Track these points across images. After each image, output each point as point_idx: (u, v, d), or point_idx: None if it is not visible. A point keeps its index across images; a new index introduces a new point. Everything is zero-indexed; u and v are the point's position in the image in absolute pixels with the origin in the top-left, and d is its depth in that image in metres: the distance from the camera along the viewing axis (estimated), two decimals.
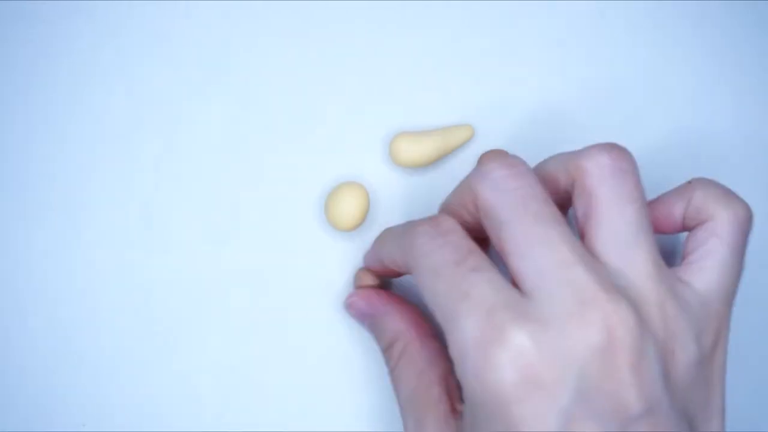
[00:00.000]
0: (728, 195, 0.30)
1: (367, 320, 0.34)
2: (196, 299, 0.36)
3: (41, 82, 0.38)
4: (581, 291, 0.26)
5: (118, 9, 0.38)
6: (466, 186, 0.30)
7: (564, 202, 0.31)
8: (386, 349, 0.33)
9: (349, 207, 0.35)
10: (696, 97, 0.38)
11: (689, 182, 0.31)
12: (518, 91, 0.38)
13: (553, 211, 0.28)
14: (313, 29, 0.38)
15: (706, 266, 0.29)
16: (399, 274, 0.34)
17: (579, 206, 0.29)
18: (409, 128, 0.37)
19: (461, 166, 0.37)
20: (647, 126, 0.38)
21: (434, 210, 0.37)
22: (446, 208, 0.32)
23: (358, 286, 0.35)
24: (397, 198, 0.37)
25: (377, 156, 0.37)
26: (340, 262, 0.37)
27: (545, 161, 0.31)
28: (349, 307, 0.35)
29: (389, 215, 0.37)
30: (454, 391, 0.31)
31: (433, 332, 0.33)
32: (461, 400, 0.30)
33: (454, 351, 0.27)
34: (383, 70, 0.38)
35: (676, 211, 0.31)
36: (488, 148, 0.37)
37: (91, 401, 0.36)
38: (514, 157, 0.29)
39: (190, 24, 0.38)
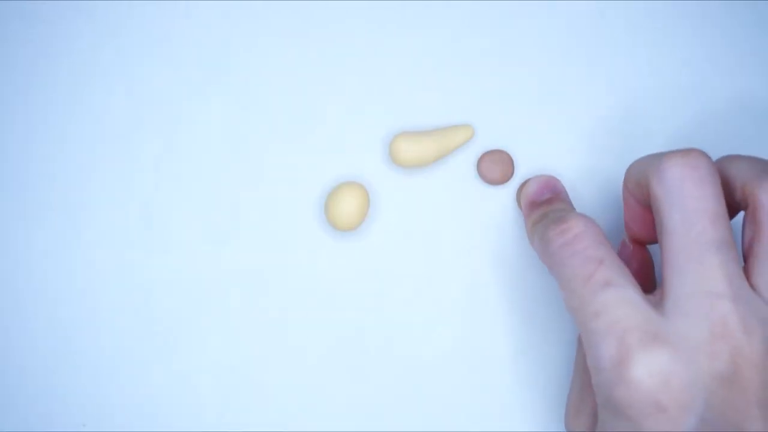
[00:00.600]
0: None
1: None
2: (196, 299, 0.36)
3: (41, 82, 0.38)
4: (719, 324, 0.27)
5: (118, 9, 0.38)
6: (644, 168, 0.29)
7: (735, 208, 0.30)
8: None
9: (349, 207, 0.35)
10: (695, 97, 0.38)
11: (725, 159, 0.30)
12: (518, 91, 0.38)
13: (722, 233, 0.28)
14: (313, 29, 0.38)
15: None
16: None
17: (747, 232, 0.29)
18: (409, 128, 0.37)
19: (461, 166, 0.37)
20: (646, 125, 0.38)
21: (434, 210, 0.37)
22: (629, 171, 0.31)
23: None
24: (397, 198, 0.37)
25: (377, 156, 0.37)
26: (340, 261, 0.37)
27: (731, 159, 0.30)
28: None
29: (389, 215, 0.37)
30: None
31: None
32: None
33: (590, 363, 0.28)
34: (383, 70, 0.38)
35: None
36: (488, 149, 0.37)
37: (91, 401, 0.36)
38: (700, 156, 0.28)
39: (190, 24, 0.38)
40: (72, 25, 0.38)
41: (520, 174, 0.37)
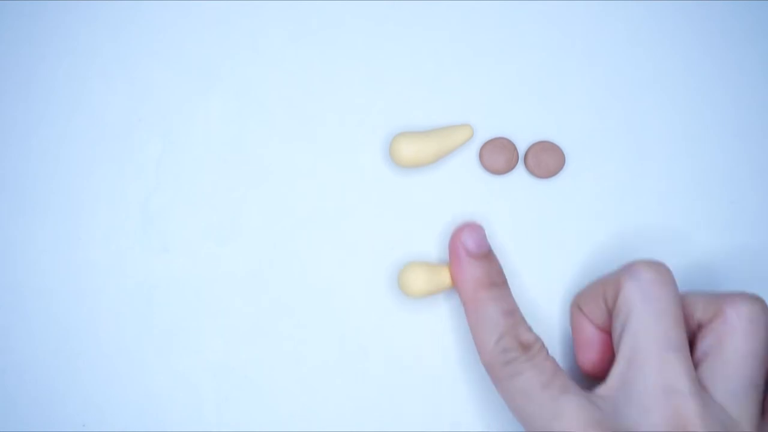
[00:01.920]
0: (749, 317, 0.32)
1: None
2: (196, 299, 0.36)
3: (41, 81, 0.38)
4: (680, 418, 0.29)
5: (118, 9, 0.38)
6: (611, 280, 0.32)
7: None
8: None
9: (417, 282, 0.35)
10: (695, 97, 0.38)
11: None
12: (518, 91, 0.38)
13: (681, 336, 0.30)
14: (314, 29, 0.38)
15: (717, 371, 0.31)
16: None
17: (703, 342, 0.31)
18: (409, 128, 0.37)
19: (461, 166, 0.37)
20: (647, 124, 0.38)
21: (433, 211, 0.37)
22: (584, 294, 0.34)
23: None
24: (397, 198, 0.37)
25: (377, 156, 0.37)
26: (340, 261, 0.37)
27: (687, 292, 0.33)
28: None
29: (389, 215, 0.37)
30: None
31: None
32: None
33: None
34: (383, 70, 0.38)
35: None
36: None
37: (91, 401, 0.36)
38: (666, 266, 0.32)
39: (190, 24, 0.38)
40: (72, 25, 0.38)
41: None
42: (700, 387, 0.30)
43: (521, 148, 0.37)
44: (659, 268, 0.31)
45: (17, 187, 0.37)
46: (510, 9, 0.38)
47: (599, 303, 0.33)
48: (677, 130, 0.38)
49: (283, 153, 0.37)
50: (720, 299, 0.31)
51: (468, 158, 0.37)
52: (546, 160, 0.36)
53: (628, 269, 0.32)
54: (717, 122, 0.38)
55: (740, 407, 0.30)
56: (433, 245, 0.37)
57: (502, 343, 0.32)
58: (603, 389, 0.31)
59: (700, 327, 0.32)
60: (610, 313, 0.32)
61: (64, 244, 0.37)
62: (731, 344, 0.31)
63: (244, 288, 0.36)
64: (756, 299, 0.31)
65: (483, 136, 0.37)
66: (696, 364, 0.31)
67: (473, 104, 0.38)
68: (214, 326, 0.36)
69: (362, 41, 0.38)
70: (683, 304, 0.32)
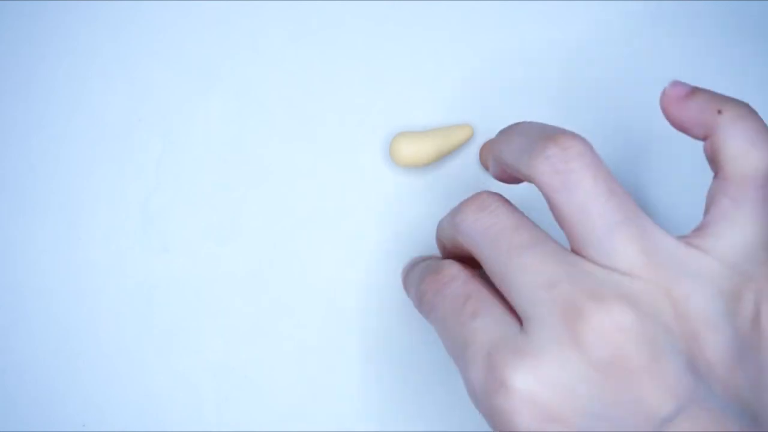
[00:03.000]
0: (750, 140, 0.27)
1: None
2: (196, 299, 0.36)
3: (41, 81, 0.38)
4: (570, 309, 0.25)
5: (118, 9, 0.38)
6: (448, 227, 0.29)
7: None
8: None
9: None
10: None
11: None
12: (518, 91, 0.38)
13: (531, 234, 0.27)
14: (314, 29, 0.38)
15: (720, 231, 0.27)
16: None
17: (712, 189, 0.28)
18: (409, 128, 0.37)
19: (461, 166, 0.37)
20: (647, 123, 0.38)
21: (433, 211, 0.37)
22: (440, 239, 0.31)
23: None
24: (397, 198, 0.37)
25: (377, 156, 0.37)
26: (340, 261, 0.37)
27: (508, 144, 0.29)
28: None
29: (389, 215, 0.37)
30: None
31: None
32: None
33: (471, 399, 0.26)
34: (383, 70, 0.38)
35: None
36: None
37: (91, 401, 0.36)
38: (489, 195, 0.28)
39: (190, 24, 0.38)
40: (72, 25, 0.38)
41: None
42: (576, 267, 0.26)
43: None
44: (478, 201, 0.28)
45: (17, 187, 0.37)
46: (510, 9, 0.38)
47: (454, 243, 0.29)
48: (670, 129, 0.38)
49: (283, 153, 0.37)
50: (529, 159, 0.27)
51: (468, 158, 0.37)
52: None
53: (452, 215, 0.29)
54: None
55: (618, 256, 0.26)
56: (433, 245, 0.37)
57: None
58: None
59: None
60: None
61: (64, 244, 0.37)
62: (561, 202, 0.27)
63: (244, 288, 0.36)
64: (559, 137, 0.27)
65: (483, 136, 0.37)
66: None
67: (473, 104, 0.38)
68: (214, 326, 0.36)
69: (362, 41, 0.38)
70: (508, 165, 0.29)
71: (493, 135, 0.37)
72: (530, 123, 0.29)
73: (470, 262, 0.30)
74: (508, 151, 0.28)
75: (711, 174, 0.28)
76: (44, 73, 0.38)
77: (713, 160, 0.28)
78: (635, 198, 0.37)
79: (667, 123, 0.38)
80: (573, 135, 0.27)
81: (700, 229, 0.27)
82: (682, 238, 0.27)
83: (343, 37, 0.38)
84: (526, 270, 0.26)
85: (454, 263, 0.29)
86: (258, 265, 0.37)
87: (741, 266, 0.26)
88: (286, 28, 0.38)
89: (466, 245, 0.28)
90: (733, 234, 0.27)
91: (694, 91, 0.28)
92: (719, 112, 0.28)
